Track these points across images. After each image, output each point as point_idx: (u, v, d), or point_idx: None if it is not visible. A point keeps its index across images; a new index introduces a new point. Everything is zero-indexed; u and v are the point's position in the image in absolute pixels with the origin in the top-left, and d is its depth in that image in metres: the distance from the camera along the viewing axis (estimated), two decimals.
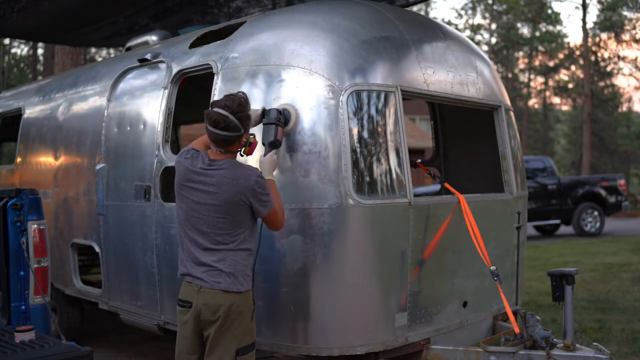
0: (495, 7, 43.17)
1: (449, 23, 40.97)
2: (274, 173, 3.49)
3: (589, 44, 35.93)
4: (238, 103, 3.13)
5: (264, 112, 3.55)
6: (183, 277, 3.22)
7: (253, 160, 3.57)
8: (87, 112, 5.28)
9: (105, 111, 4.98)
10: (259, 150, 3.51)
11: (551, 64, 43.42)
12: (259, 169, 3.30)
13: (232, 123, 3.10)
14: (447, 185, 4.40)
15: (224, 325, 3.07)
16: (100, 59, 26.65)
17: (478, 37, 43.92)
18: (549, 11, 40.87)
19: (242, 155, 3.34)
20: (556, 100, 47.65)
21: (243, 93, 3.25)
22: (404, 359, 3.94)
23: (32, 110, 6.15)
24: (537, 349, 3.87)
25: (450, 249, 4.08)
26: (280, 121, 3.50)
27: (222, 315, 3.05)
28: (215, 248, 3.11)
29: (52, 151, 5.65)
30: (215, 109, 3.11)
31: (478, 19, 53.37)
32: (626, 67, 46.88)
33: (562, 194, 15.90)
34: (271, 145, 3.49)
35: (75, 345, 3.11)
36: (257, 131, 3.52)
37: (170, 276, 4.28)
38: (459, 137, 5.57)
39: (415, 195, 3.83)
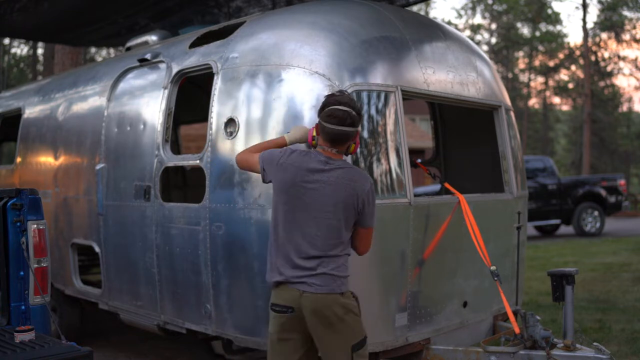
0: (495, 7, 43.15)
1: (449, 23, 40.93)
2: None
3: (589, 44, 35.93)
4: (352, 100, 3.13)
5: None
6: (280, 284, 3.05)
7: None
8: (87, 112, 5.28)
9: (105, 111, 4.98)
10: None
11: (551, 64, 43.40)
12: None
13: (356, 118, 3.08)
14: (447, 185, 4.39)
15: (334, 326, 2.99)
16: (100, 59, 26.65)
17: (478, 37, 43.91)
18: (549, 11, 40.85)
19: (345, 155, 3.23)
20: (556, 100, 47.67)
21: (344, 91, 3.24)
22: (404, 359, 3.94)
23: (32, 110, 6.15)
24: (537, 349, 3.87)
25: (451, 249, 4.08)
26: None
27: (331, 318, 2.98)
28: (322, 255, 3.01)
29: (52, 151, 5.64)
30: (340, 107, 3.04)
31: (478, 19, 53.52)
32: (626, 67, 46.83)
33: (562, 194, 15.88)
34: None
35: (75, 346, 3.09)
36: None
37: (170, 276, 4.28)
38: (459, 137, 5.57)
39: (415, 195, 3.83)
